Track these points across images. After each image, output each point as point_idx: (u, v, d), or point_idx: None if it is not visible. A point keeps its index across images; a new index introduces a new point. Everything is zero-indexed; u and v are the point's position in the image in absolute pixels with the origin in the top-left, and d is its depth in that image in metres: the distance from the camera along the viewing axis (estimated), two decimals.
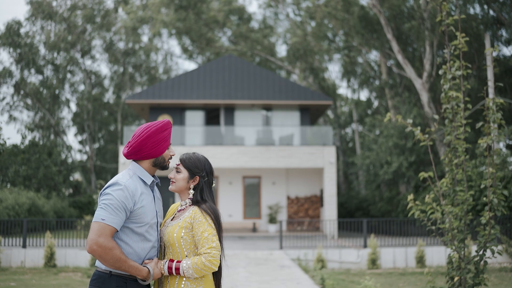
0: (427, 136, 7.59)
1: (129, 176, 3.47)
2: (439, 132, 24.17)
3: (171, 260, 3.47)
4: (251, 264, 15.37)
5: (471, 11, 27.91)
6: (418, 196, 22.99)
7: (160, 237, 3.61)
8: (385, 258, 17.58)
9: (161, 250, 3.63)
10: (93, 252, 3.24)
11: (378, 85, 35.14)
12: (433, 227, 7.59)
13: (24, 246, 17.56)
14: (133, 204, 3.38)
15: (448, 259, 7.31)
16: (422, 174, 7.58)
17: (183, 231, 3.46)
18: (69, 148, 40.08)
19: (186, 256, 3.48)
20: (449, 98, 7.39)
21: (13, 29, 37.86)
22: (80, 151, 43.87)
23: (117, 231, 3.34)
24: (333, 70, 69.99)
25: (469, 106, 7.27)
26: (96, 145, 43.47)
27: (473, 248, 18.16)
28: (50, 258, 16.52)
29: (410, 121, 7.31)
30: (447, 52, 7.65)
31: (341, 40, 36.23)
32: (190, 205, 3.60)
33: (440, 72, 7.61)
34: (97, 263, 3.43)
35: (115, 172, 40.67)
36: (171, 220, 3.63)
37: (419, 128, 7.35)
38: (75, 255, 17.19)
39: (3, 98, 38.36)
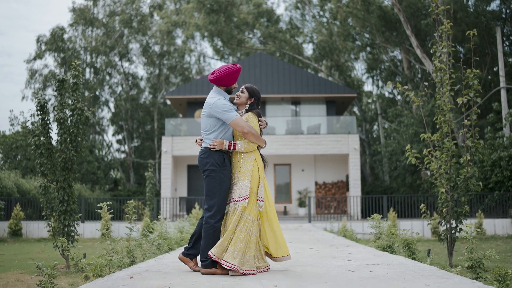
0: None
1: (218, 94, 5.79)
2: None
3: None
4: (283, 230, 17.48)
5: (487, 8, 29.54)
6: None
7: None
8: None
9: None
10: (248, 133, 5.61)
11: (401, 81, 36.89)
12: (428, 172, 9.71)
13: (82, 221, 20.14)
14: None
15: (439, 197, 9.38)
16: (423, 136, 9.66)
17: None
18: (109, 144, 42.56)
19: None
20: (438, 70, 9.51)
21: (57, 35, 40.71)
22: (117, 150, 46.33)
23: None
24: (359, 68, 71.61)
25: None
26: (134, 143, 45.92)
27: (485, 222, 20.05)
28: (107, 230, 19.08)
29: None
30: (437, 35, 9.74)
31: (363, 37, 38.06)
32: (245, 112, 5.89)
33: (432, 51, 9.72)
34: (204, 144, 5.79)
35: (152, 167, 42.92)
36: None
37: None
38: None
39: (49, 99, 41.06)
